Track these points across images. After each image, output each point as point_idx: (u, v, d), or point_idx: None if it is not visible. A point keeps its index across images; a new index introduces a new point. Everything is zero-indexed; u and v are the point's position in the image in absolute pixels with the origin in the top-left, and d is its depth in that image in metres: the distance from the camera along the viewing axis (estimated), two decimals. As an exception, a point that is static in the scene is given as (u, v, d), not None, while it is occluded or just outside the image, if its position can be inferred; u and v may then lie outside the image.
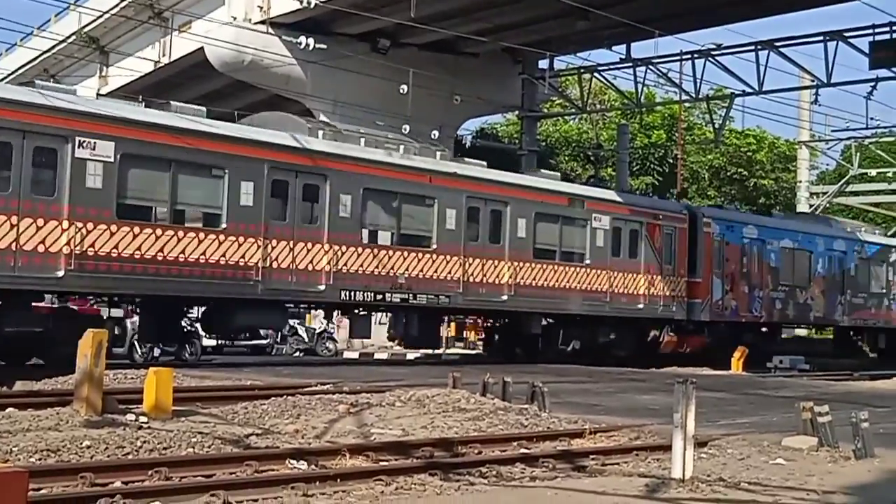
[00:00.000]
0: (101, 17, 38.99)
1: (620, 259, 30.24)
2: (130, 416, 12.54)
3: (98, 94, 26.09)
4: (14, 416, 12.09)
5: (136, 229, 20.04)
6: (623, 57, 36.93)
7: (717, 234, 33.43)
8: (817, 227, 39.81)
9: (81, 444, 10.32)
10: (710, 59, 34.80)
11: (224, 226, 21.39)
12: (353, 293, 23.78)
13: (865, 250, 40.59)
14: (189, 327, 25.56)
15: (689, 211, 33.64)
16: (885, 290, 41.66)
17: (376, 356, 32.91)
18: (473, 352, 35.55)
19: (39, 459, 9.69)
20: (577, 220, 29.26)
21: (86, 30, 40.30)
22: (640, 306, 30.77)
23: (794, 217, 43.18)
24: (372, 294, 24.17)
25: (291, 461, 10.05)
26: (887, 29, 30.44)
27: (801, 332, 47.16)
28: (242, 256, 21.54)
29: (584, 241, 29.41)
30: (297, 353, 32.62)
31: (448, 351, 35.57)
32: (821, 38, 32.32)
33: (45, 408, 12.75)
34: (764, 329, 36.99)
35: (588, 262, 29.34)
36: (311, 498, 8.47)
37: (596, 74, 39.09)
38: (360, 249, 23.93)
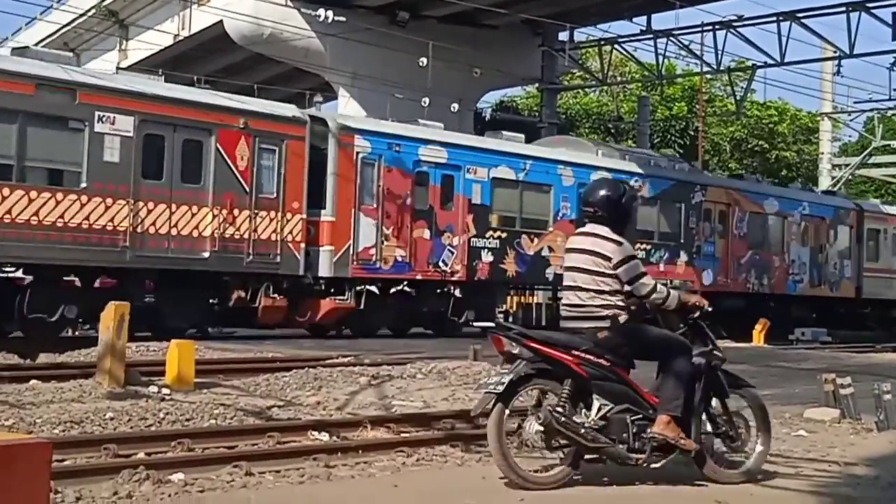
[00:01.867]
0: (120, -10, 39.03)
1: (161, 183, 20.79)
2: (153, 388, 12.62)
3: (118, 69, 25.98)
4: (38, 388, 12.19)
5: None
6: (644, 28, 36.69)
7: (369, 155, 24.08)
8: (563, 151, 29.57)
9: (104, 415, 10.38)
10: (731, 30, 34.54)
11: None
12: None
13: (649, 187, 30.31)
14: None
15: (312, 118, 23.78)
16: (683, 242, 31.65)
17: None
18: None
19: (63, 431, 9.75)
20: (63, 121, 19.84)
21: (105, 3, 40.32)
22: (206, 255, 21.30)
23: (530, 144, 30.14)
24: None
25: (313, 433, 10.07)
26: (911, -1, 30.20)
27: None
28: None
29: (77, 154, 19.80)
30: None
31: None
32: (843, 8, 32.02)
33: (68, 380, 12.86)
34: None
35: (84, 185, 19.82)
36: (332, 469, 8.50)
37: (616, 46, 38.86)
38: None
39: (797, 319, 34.60)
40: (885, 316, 39.46)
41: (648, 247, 30.02)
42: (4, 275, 20.04)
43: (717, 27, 34.80)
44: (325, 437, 9.98)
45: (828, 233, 37.08)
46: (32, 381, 12.75)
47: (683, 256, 31.39)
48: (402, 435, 10.19)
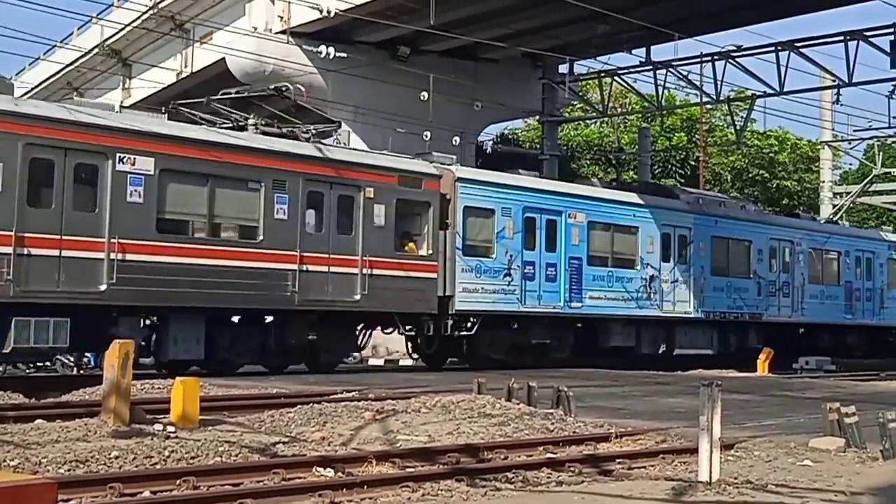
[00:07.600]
0: (123, 29, 39.25)
1: None
2: (158, 426, 12.62)
3: (121, 107, 26.12)
4: (43, 428, 12.19)
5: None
6: (643, 60, 36.89)
7: None
8: None
9: (109, 454, 10.39)
10: (730, 60, 34.72)
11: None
12: None
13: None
14: None
15: None
16: None
17: (401, 363, 32.93)
18: None
19: (68, 470, 9.76)
20: None
21: (108, 42, 40.58)
22: None
23: None
24: None
25: (318, 469, 10.08)
26: (909, 28, 30.36)
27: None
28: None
29: None
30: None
31: None
32: (841, 37, 32.21)
33: (73, 419, 12.85)
34: None
35: None
36: (338, 505, 8.51)
37: (616, 78, 39.05)
38: None
39: None
40: None
41: None
42: None
43: (715, 58, 34.99)
44: (330, 472, 9.99)
45: None
46: (37, 421, 12.75)
47: None
48: (408, 470, 10.19)
